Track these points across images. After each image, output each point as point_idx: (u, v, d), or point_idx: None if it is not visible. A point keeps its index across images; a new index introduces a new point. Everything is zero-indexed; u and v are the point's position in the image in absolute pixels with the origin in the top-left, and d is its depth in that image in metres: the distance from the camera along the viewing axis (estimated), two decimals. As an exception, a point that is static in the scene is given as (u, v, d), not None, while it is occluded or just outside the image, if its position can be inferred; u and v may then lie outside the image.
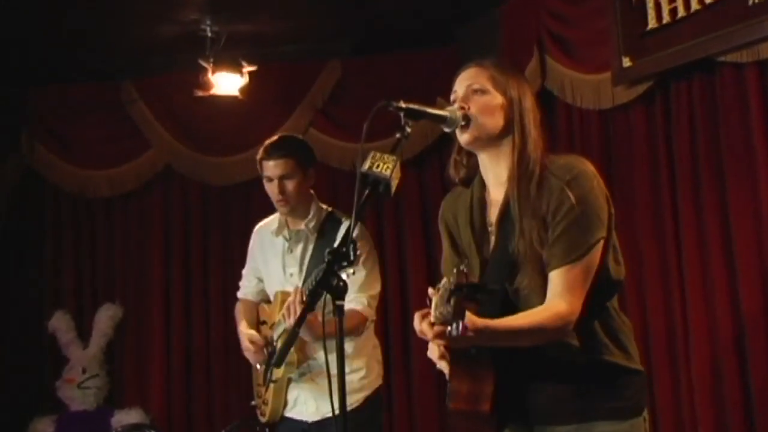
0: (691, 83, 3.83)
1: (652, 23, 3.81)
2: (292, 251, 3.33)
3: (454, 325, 1.75)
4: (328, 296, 1.86)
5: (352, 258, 2.82)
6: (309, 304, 1.81)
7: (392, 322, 5.47)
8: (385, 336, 5.27)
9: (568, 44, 4.46)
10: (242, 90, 5.18)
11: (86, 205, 5.80)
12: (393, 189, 1.92)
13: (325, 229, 3.28)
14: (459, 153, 2.21)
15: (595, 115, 4.37)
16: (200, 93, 5.17)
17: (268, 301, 3.45)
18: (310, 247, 3.30)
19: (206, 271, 5.72)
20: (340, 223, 3.26)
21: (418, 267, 5.51)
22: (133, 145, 5.75)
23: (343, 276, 2.87)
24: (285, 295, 3.18)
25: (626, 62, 3.96)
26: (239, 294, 3.60)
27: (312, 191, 3.34)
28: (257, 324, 3.47)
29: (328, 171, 5.70)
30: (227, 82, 5.14)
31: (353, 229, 1.90)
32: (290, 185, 3.22)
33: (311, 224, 3.28)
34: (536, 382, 2.06)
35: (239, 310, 3.56)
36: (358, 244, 2.83)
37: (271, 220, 3.45)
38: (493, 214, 2.15)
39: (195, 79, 5.15)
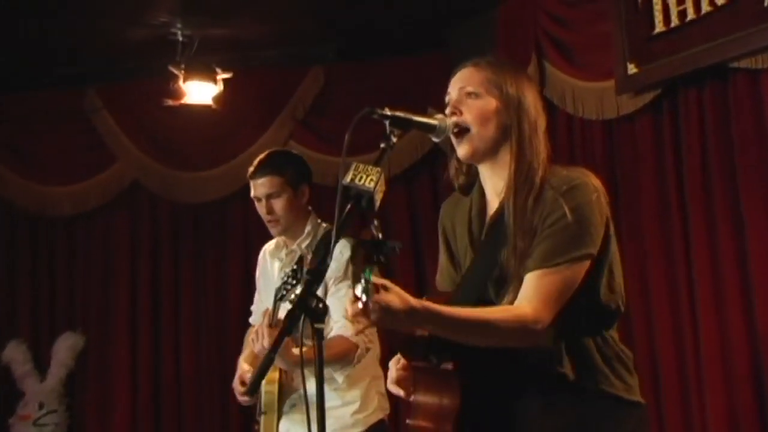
0: (702, 91, 3.86)
1: (659, 26, 3.85)
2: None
3: (359, 288, 1.71)
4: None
5: (299, 276, 2.83)
6: (287, 327, 1.81)
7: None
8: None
9: (569, 49, 4.50)
10: (216, 99, 5.20)
11: (45, 225, 5.80)
12: (377, 203, 1.90)
13: (320, 248, 3.24)
14: (458, 160, 2.19)
15: (598, 126, 4.40)
16: (171, 102, 5.18)
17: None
18: (304, 270, 3.29)
19: (177, 297, 5.71)
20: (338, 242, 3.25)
21: (406, 284, 5.50)
22: (97, 158, 5.75)
23: (292, 296, 2.88)
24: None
25: (631, 69, 4.00)
26: (250, 320, 3.60)
27: (309, 208, 3.34)
28: None
29: (310, 186, 5.72)
30: (200, 91, 5.16)
31: (333, 245, 1.90)
32: (278, 205, 3.22)
33: (305, 243, 3.28)
34: (519, 410, 2.03)
35: (247, 338, 3.57)
36: (333, 266, 2.85)
37: (274, 242, 3.45)
38: (487, 220, 2.15)
39: (165, 86, 5.16)
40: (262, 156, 3.31)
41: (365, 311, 1.75)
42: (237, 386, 3.28)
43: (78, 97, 5.73)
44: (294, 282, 2.88)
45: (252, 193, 3.27)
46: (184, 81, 5.08)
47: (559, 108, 4.50)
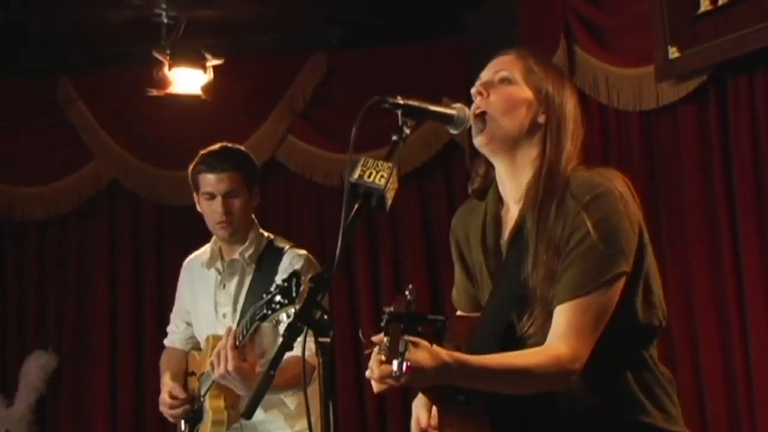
0: (753, 77, 3.84)
1: (704, 5, 3.84)
2: (225, 286, 3.37)
3: (395, 365, 1.73)
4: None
5: (294, 294, 2.86)
6: (287, 341, 1.81)
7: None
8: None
9: (602, 32, 4.50)
10: (206, 88, 5.20)
11: (14, 230, 5.81)
12: (389, 202, 1.90)
13: (264, 259, 3.32)
14: (472, 159, 2.21)
15: (636, 118, 4.39)
16: (154, 92, 5.19)
17: (199, 349, 3.49)
18: (247, 281, 3.33)
19: (161, 310, 5.69)
20: (281, 253, 3.30)
21: (420, 299, 5.51)
22: (72, 155, 5.77)
23: (284, 317, 2.89)
24: (217, 340, 3.20)
25: (673, 53, 3.99)
26: (166, 341, 3.65)
27: (253, 216, 3.39)
28: (185, 376, 3.50)
29: (311, 187, 5.73)
30: (187, 79, 5.17)
31: (339, 251, 1.89)
32: (236, 204, 3.26)
33: (248, 253, 3.32)
34: None
35: (164, 359, 3.61)
36: (302, 279, 2.87)
37: (202, 251, 3.49)
38: (507, 232, 2.14)
39: (148, 74, 5.17)
40: (212, 149, 3.35)
41: (396, 380, 1.78)
42: (166, 399, 3.30)
43: (50, 87, 5.75)
44: (284, 300, 2.89)
45: (204, 189, 3.29)
46: (170, 68, 5.09)
47: (591, 97, 4.49)
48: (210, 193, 3.28)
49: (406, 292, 1.86)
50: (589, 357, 1.98)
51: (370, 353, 1.87)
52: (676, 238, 4.13)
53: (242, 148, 3.46)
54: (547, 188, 2.05)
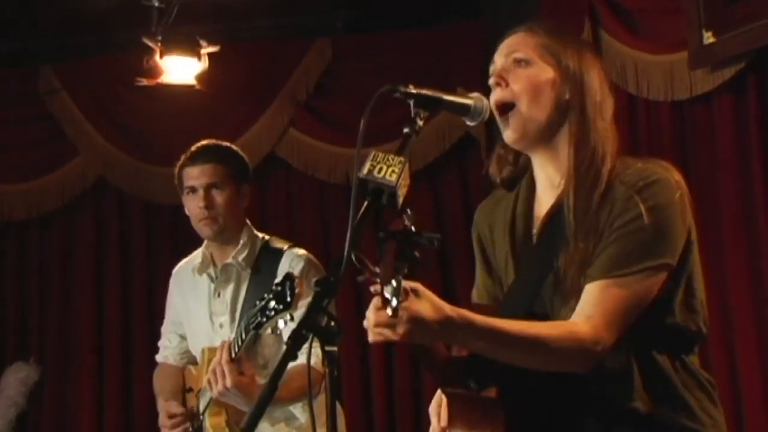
0: (795, 65, 3.86)
1: (742, -14, 3.85)
2: (220, 294, 3.38)
3: (390, 289, 1.70)
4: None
5: (289, 299, 2.87)
6: (291, 350, 1.82)
7: (398, 371, 5.49)
8: (390, 391, 5.32)
9: (630, 14, 4.49)
10: (200, 78, 5.22)
11: (-8, 231, 5.83)
12: (400, 199, 1.91)
13: (261, 262, 3.33)
14: (504, 146, 2.20)
15: (667, 108, 4.39)
16: (145, 82, 5.20)
17: (196, 363, 3.51)
18: (244, 288, 3.35)
19: (152, 318, 5.71)
20: (279, 254, 3.32)
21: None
22: (55, 150, 5.79)
23: (281, 324, 2.90)
24: (213, 352, 3.23)
25: (708, 38, 3.99)
26: (158, 357, 3.67)
27: (246, 218, 3.41)
28: (182, 392, 3.52)
29: (314, 184, 5.74)
30: (180, 68, 5.18)
31: (348, 253, 1.90)
32: (220, 198, 3.29)
33: (241, 256, 3.34)
34: None
35: (157, 378, 3.63)
36: (296, 282, 2.88)
37: (192, 257, 3.52)
38: (540, 224, 2.14)
39: (138, 63, 5.18)
40: (199, 144, 3.40)
41: (391, 321, 1.75)
42: (165, 422, 3.32)
43: (31, 77, 5.76)
44: (279, 306, 2.90)
45: (187, 184, 3.34)
46: (161, 56, 5.10)
47: (618, 86, 4.48)
48: (191, 187, 3.32)
49: (404, 216, 1.84)
50: (628, 349, 1.98)
51: (364, 281, 1.83)
52: (711, 240, 4.13)
53: (233, 146, 3.49)
54: (582, 171, 2.05)
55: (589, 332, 1.94)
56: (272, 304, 2.91)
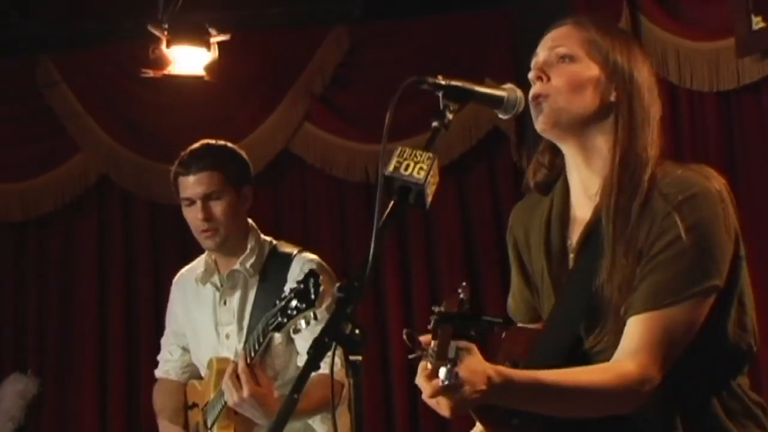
0: None
1: (794, -33, 3.84)
2: (226, 303, 3.38)
3: (443, 372, 1.73)
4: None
5: (313, 296, 2.86)
6: (313, 360, 1.82)
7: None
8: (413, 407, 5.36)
9: (672, -1, 4.50)
10: (209, 69, 5.23)
11: (-13, 233, 5.85)
12: (429, 198, 1.91)
13: (270, 268, 3.33)
14: (542, 151, 2.20)
15: (712, 100, 4.38)
16: (150, 73, 5.22)
17: (199, 378, 3.51)
18: (251, 295, 3.35)
19: (158, 326, 5.68)
20: (289, 259, 3.32)
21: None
22: (55, 147, 5.81)
23: (302, 324, 2.90)
24: (223, 362, 3.24)
25: (757, 23, 3.98)
26: (157, 372, 3.67)
27: (250, 220, 3.41)
28: (185, 409, 3.53)
29: (331, 182, 5.74)
30: (188, 58, 5.20)
31: (372, 256, 1.90)
32: (219, 208, 3.27)
33: (249, 263, 3.33)
34: None
35: (157, 394, 3.63)
36: (321, 279, 2.89)
37: (195, 265, 3.51)
38: (575, 233, 2.15)
39: (143, 53, 5.21)
40: (193, 147, 3.36)
41: (442, 392, 1.78)
42: None
43: (29, 68, 5.79)
44: (302, 305, 2.91)
45: (183, 194, 3.32)
46: (168, 46, 5.12)
47: (659, 76, 4.47)
48: (189, 199, 3.30)
49: (459, 290, 1.87)
50: (668, 382, 1.97)
51: (416, 358, 1.86)
52: (761, 243, 4.11)
53: (228, 144, 3.45)
54: (624, 180, 2.04)
55: (636, 372, 1.94)
56: (294, 303, 2.91)
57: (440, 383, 1.75)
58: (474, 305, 1.89)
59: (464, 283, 1.89)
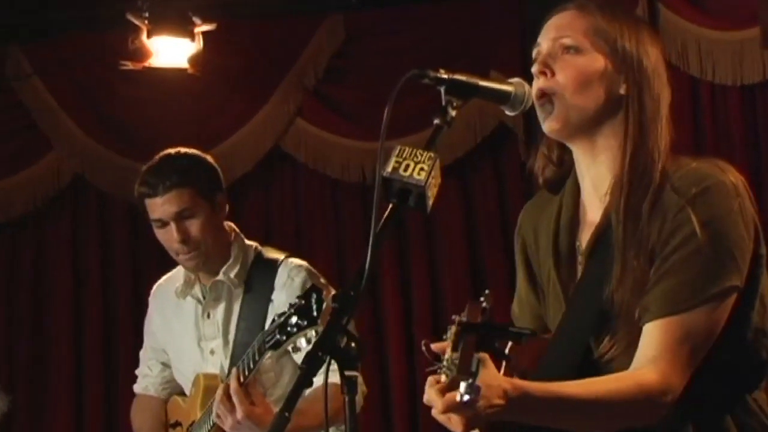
0: None
1: (822, -48, 3.85)
2: (209, 316, 3.38)
3: (464, 386, 1.73)
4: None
5: (315, 313, 2.86)
6: (306, 375, 1.83)
7: (420, 397, 5.49)
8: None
9: (693, -14, 4.51)
10: (193, 60, 5.24)
11: (-46, 238, 5.86)
12: (430, 200, 1.92)
13: (254, 277, 3.33)
14: (549, 146, 2.22)
15: (736, 93, 4.39)
16: (130, 65, 5.22)
17: (181, 393, 3.52)
18: (236, 307, 3.35)
19: (138, 336, 5.67)
20: (275, 266, 3.32)
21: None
22: (26, 144, 5.82)
23: (303, 343, 2.90)
24: (210, 379, 3.25)
25: (784, 11, 4.00)
26: (136, 387, 3.67)
27: (231, 224, 3.39)
28: (165, 428, 3.54)
29: (325, 182, 5.74)
30: (171, 49, 5.21)
31: (369, 263, 1.90)
32: (195, 227, 3.25)
33: (233, 272, 3.32)
34: None
35: (136, 412, 3.64)
36: (324, 294, 2.89)
37: (174, 275, 3.51)
38: (585, 236, 2.16)
39: (122, 43, 5.21)
40: (152, 163, 3.33)
41: (460, 408, 1.78)
42: None
43: (-3, 59, 5.79)
44: (303, 322, 2.91)
45: (153, 216, 3.28)
46: (149, 36, 5.12)
47: (679, 68, 4.49)
48: (159, 220, 3.26)
49: (481, 299, 1.87)
50: (684, 403, 1.98)
51: (432, 372, 1.86)
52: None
53: (191, 151, 3.40)
54: (635, 179, 2.06)
55: (657, 381, 1.96)
56: (294, 319, 2.91)
57: (458, 398, 1.74)
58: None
59: (487, 291, 1.89)
